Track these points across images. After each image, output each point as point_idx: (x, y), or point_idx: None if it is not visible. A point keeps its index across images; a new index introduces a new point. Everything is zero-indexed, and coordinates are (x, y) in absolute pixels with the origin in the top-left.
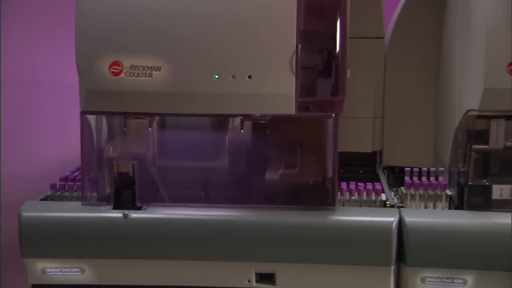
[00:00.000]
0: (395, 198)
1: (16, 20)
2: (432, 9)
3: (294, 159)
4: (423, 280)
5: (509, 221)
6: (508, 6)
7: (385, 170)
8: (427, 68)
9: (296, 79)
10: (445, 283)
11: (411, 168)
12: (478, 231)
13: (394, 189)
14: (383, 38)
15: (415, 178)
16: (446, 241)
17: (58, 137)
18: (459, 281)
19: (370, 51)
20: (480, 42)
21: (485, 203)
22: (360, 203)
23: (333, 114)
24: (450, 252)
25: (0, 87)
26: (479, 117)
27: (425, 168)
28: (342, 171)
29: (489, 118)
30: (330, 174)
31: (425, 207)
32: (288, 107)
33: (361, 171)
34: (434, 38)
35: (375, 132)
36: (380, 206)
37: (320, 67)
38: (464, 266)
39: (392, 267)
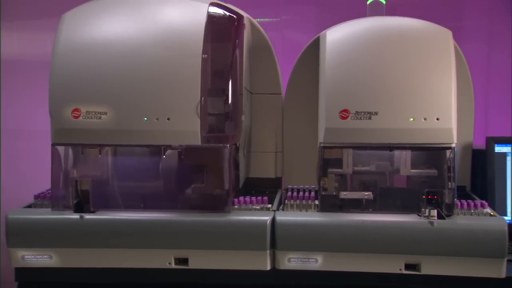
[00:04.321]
0: (280, 207)
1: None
2: (314, 71)
3: (202, 177)
4: (289, 260)
5: (345, 218)
6: (341, 70)
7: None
8: (314, 114)
9: (200, 121)
10: (304, 262)
11: (293, 186)
12: (325, 225)
13: (283, 202)
14: (281, 94)
15: (295, 193)
16: (303, 232)
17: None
18: (313, 260)
19: (271, 104)
20: (323, 94)
21: (334, 208)
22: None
23: (228, 145)
24: (306, 239)
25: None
26: (327, 147)
27: (301, 186)
28: (253, 191)
29: (340, 148)
30: (226, 187)
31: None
32: (195, 140)
33: (267, 192)
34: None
35: (277, 163)
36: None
37: (220, 112)
38: (316, 249)
39: (268, 251)
